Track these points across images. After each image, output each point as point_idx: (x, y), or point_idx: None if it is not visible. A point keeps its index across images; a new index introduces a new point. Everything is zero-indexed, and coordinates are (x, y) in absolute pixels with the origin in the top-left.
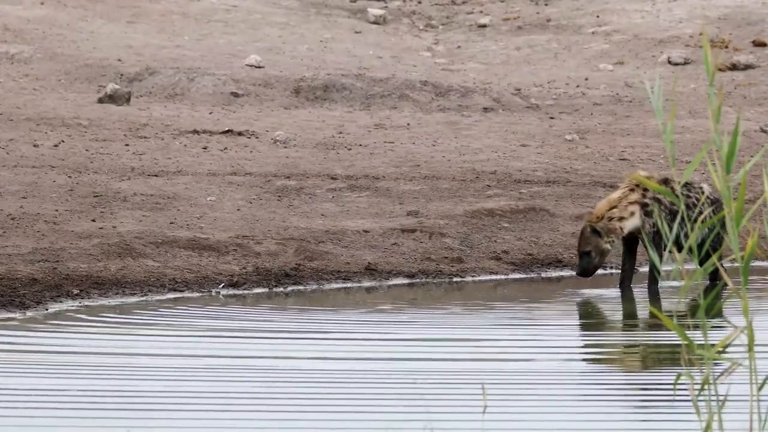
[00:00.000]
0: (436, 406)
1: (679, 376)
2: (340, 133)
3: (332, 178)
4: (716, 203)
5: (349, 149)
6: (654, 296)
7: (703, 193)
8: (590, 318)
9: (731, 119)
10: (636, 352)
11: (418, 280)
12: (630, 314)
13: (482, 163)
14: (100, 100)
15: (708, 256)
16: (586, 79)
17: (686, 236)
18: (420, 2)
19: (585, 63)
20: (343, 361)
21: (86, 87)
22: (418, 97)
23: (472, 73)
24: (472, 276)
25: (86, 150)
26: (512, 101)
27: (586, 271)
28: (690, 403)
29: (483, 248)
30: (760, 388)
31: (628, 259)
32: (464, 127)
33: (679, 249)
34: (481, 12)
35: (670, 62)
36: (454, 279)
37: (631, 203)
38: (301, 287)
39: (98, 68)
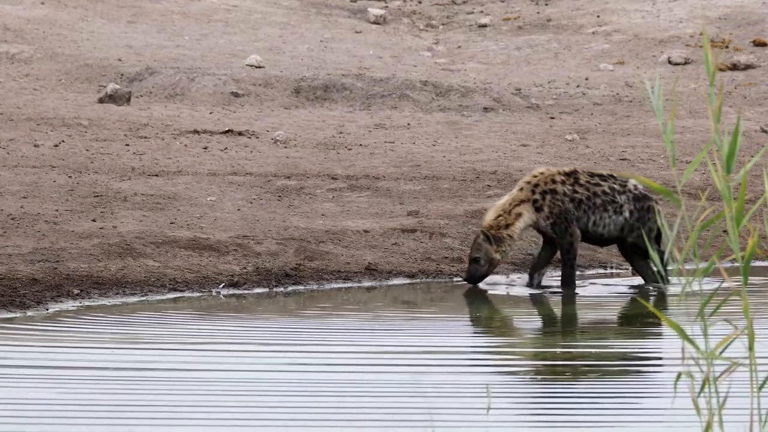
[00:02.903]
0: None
1: (679, 375)
2: (341, 133)
3: (332, 178)
4: (641, 200)
5: (350, 149)
6: (532, 288)
7: (624, 185)
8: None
9: (731, 119)
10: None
11: (418, 280)
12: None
13: (482, 163)
14: (101, 100)
15: (633, 248)
16: (587, 79)
17: (594, 224)
18: (420, 2)
19: (585, 63)
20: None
21: (86, 87)
22: (418, 97)
23: (472, 73)
24: None
25: (86, 150)
26: (512, 101)
27: (473, 278)
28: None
29: None
30: (760, 388)
31: (544, 249)
32: (464, 127)
33: (587, 238)
34: (482, 12)
35: (670, 62)
36: (455, 279)
37: (517, 205)
38: (301, 287)
39: (98, 68)
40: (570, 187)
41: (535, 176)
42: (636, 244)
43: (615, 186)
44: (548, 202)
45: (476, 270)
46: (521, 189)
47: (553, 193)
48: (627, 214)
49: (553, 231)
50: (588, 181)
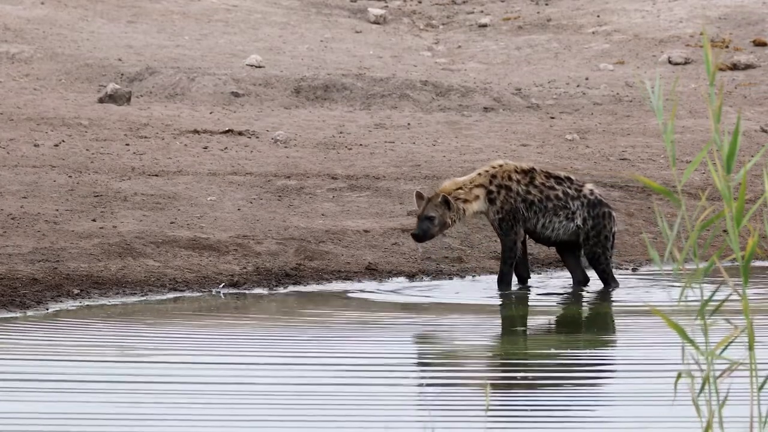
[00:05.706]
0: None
1: (679, 375)
2: (341, 132)
3: (332, 178)
4: (596, 206)
5: (350, 149)
6: (503, 293)
7: (579, 190)
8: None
9: (731, 119)
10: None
11: (418, 280)
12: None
13: (483, 163)
14: (101, 100)
15: (591, 256)
16: (587, 78)
17: (543, 227)
18: (420, 2)
19: (585, 63)
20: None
21: (87, 87)
22: (418, 97)
23: (472, 72)
24: (473, 275)
25: (87, 150)
26: (512, 101)
27: (425, 235)
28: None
29: (483, 248)
30: (760, 388)
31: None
32: (464, 126)
33: (535, 238)
34: (482, 12)
35: (670, 62)
36: (454, 279)
37: (476, 186)
38: (301, 287)
39: (98, 68)
40: (524, 187)
41: (494, 167)
42: (593, 253)
43: (569, 191)
44: (502, 197)
45: (429, 228)
46: (479, 174)
47: (507, 190)
48: (580, 221)
49: (500, 226)
50: (543, 183)
